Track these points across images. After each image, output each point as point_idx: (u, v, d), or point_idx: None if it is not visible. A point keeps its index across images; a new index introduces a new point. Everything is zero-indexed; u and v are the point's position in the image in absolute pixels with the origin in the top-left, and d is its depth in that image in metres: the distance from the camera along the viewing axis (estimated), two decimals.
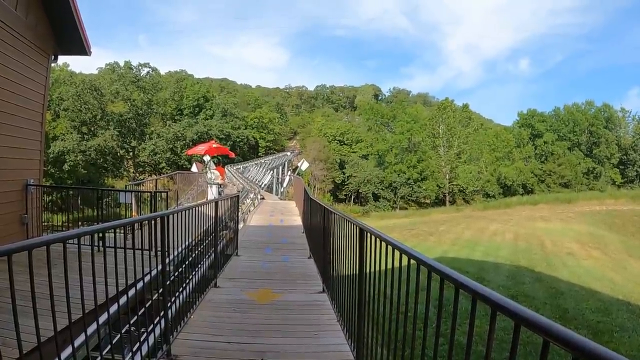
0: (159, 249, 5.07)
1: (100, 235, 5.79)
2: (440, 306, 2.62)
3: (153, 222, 5.51)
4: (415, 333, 3.13)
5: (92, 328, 3.70)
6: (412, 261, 3.09)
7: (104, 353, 3.88)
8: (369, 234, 4.39)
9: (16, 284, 2.44)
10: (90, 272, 3.33)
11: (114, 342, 4.61)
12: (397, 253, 3.45)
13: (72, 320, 3.09)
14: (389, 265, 3.61)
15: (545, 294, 15.65)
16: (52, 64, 11.89)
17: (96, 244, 5.39)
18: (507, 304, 1.87)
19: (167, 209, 10.76)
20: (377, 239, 4.04)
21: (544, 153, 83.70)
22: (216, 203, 8.65)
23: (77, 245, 3.24)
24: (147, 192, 12.17)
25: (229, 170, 40.45)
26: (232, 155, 27.82)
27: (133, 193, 11.83)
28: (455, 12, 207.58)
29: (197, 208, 7.06)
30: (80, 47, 11.99)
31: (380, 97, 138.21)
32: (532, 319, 1.70)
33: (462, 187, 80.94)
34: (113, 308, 4.88)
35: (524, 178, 79.18)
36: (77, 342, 3.39)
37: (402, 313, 3.34)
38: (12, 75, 9.77)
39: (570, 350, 1.49)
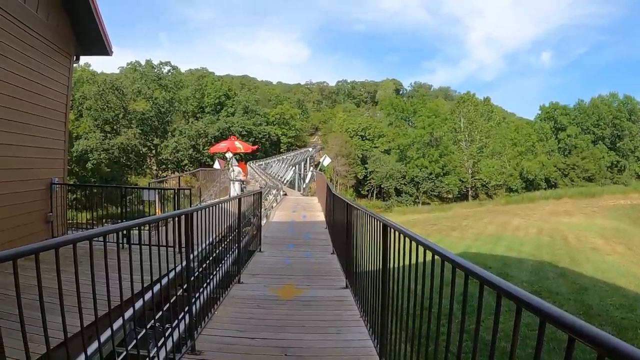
0: (183, 245, 5.10)
1: (125, 232, 5.85)
2: (465, 302, 2.59)
3: (177, 219, 5.54)
4: (439, 329, 3.11)
5: (117, 323, 3.74)
6: (436, 257, 3.08)
7: (129, 348, 3.91)
8: (392, 230, 4.37)
9: (43, 282, 2.48)
10: (116, 269, 3.37)
11: (139, 337, 4.66)
12: (420, 249, 3.43)
13: (99, 316, 3.13)
14: (413, 261, 3.59)
15: (569, 290, 15.46)
16: (74, 64, 12.00)
17: (121, 241, 5.45)
18: (532, 301, 1.86)
19: (190, 206, 10.83)
20: (401, 235, 4.02)
21: (567, 146, 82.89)
22: (239, 200, 8.69)
23: (102, 243, 3.28)
24: (171, 189, 12.25)
25: (251, 167, 40.67)
26: (255, 148, 27.86)
27: (156, 190, 11.93)
28: (476, 5, 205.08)
29: (220, 205, 7.09)
30: (101, 47, 12.09)
31: (401, 92, 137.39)
32: (557, 315, 1.68)
33: (485, 181, 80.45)
34: (138, 304, 4.93)
35: (547, 172, 78.48)
36: (103, 338, 3.43)
37: (426, 309, 3.32)
38: (35, 77, 9.90)
39: (595, 348, 1.48)
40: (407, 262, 3.78)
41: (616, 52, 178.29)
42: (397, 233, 4.17)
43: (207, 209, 6.05)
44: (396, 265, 4.20)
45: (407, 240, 3.80)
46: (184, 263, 5.04)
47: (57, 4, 10.68)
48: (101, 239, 3.27)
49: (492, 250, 23.00)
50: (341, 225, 9.20)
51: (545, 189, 70.94)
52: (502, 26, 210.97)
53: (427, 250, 3.28)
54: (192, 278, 5.27)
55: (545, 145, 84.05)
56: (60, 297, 2.64)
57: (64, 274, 2.66)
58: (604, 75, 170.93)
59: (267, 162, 62.45)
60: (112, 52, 12.39)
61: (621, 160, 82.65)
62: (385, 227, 4.68)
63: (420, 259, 3.35)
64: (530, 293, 1.93)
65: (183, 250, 5.07)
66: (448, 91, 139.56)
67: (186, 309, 5.13)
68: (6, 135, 8.99)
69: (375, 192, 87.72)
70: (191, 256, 5.06)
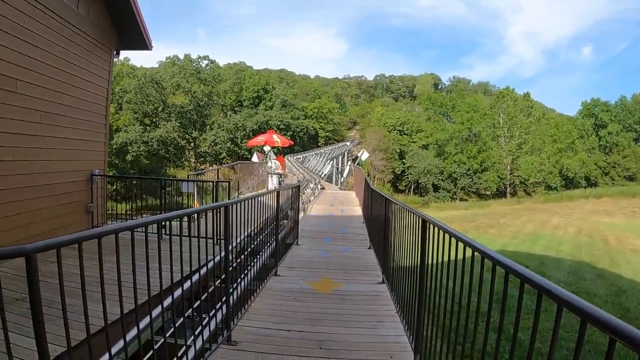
0: (221, 237, 5.13)
1: (165, 223, 5.92)
2: (505, 300, 2.55)
3: (216, 211, 5.58)
4: (476, 327, 3.07)
5: (156, 312, 3.78)
6: (475, 254, 3.03)
7: (167, 336, 3.96)
8: (431, 225, 4.31)
9: (85, 270, 2.54)
10: (156, 259, 3.40)
11: (176, 325, 4.72)
12: (460, 246, 3.38)
13: (138, 304, 3.17)
14: (452, 257, 3.54)
15: (607, 292, 15.12)
16: (114, 59, 12.20)
17: (161, 232, 5.51)
18: (573, 300, 1.82)
19: (228, 198, 10.90)
20: (440, 231, 3.97)
21: (608, 144, 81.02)
22: (277, 193, 8.73)
23: (144, 234, 3.33)
24: (209, 181, 12.35)
25: (289, 160, 40.74)
26: (291, 143, 27.93)
27: (195, 183, 12.06)
28: None
29: (258, 198, 7.13)
30: (141, 42, 12.24)
31: (439, 87, 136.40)
32: (599, 316, 1.64)
33: (524, 178, 79.14)
34: (177, 293, 4.99)
35: (587, 170, 76.89)
36: (141, 325, 3.47)
37: (464, 307, 3.28)
38: (77, 71, 10.12)
39: (637, 350, 1.45)
40: (445, 259, 3.74)
41: None
42: (436, 229, 4.11)
43: (245, 202, 6.08)
44: (434, 262, 4.16)
45: (447, 236, 3.75)
46: (222, 254, 5.07)
47: (98, 0, 10.86)
48: (142, 229, 3.32)
49: (530, 249, 22.64)
50: (379, 220, 9.17)
51: (585, 187, 69.35)
52: (541, 21, 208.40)
53: (466, 247, 3.23)
54: (230, 269, 5.31)
55: (585, 143, 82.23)
56: (101, 285, 2.69)
57: (105, 263, 2.70)
58: None
59: (305, 155, 62.49)
60: (151, 46, 12.54)
61: None
62: (424, 222, 4.62)
63: (460, 256, 3.31)
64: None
65: (221, 242, 5.11)
66: (487, 86, 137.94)
67: (223, 299, 5.18)
68: (50, 127, 9.23)
69: (412, 188, 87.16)
70: (229, 248, 5.09)
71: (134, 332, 3.43)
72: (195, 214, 5.38)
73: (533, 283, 2.16)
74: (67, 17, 9.52)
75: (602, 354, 8.83)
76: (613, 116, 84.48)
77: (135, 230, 3.15)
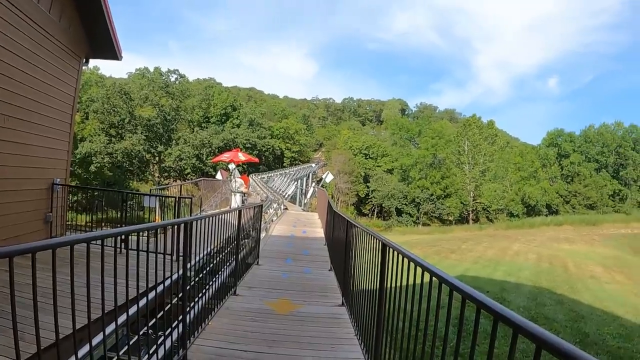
0: (180, 254, 5.09)
1: (124, 237, 5.84)
2: (461, 325, 2.57)
3: (177, 227, 5.53)
4: (433, 351, 3.08)
5: (110, 328, 3.71)
6: (433, 279, 3.06)
7: (120, 353, 3.89)
8: (391, 250, 4.35)
9: (38, 281, 2.47)
10: (111, 273, 3.35)
11: (131, 343, 4.64)
12: (419, 270, 3.41)
13: (91, 319, 3.11)
14: (410, 282, 3.57)
15: (566, 317, 15.39)
16: (83, 67, 12.06)
17: (119, 245, 5.42)
18: (528, 327, 1.83)
19: (190, 215, 10.81)
20: (400, 255, 4.01)
21: (570, 173, 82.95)
22: (239, 211, 8.68)
23: (100, 246, 3.27)
24: (172, 197, 12.26)
25: (253, 180, 40.65)
26: (257, 160, 27.89)
27: (157, 197, 11.93)
28: (486, 29, 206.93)
29: (220, 216, 7.09)
30: (111, 52, 12.15)
31: (406, 112, 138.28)
32: (554, 343, 1.66)
33: (486, 205, 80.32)
34: (132, 310, 4.90)
35: (548, 198, 78.50)
36: (94, 341, 3.41)
37: (421, 330, 3.30)
38: (43, 76, 9.93)
39: None
40: (404, 283, 3.77)
41: (623, 81, 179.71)
42: (395, 253, 4.16)
43: (207, 219, 6.05)
44: (393, 285, 4.19)
45: (406, 260, 3.78)
46: (181, 272, 5.02)
47: (71, 6, 10.74)
48: (99, 242, 3.25)
49: (491, 275, 22.92)
50: (340, 242, 9.19)
51: (546, 215, 70.79)
52: (510, 51, 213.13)
53: (425, 272, 3.26)
54: (188, 287, 5.25)
55: (548, 171, 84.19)
56: (54, 298, 2.63)
57: (59, 275, 2.64)
58: (611, 103, 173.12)
59: (269, 175, 62.43)
60: (121, 56, 12.46)
61: (623, 189, 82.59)
62: (384, 246, 4.66)
63: (418, 280, 3.34)
64: (526, 319, 1.92)
65: (180, 258, 5.06)
66: (453, 113, 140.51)
67: (180, 317, 5.11)
68: (11, 132, 8.99)
69: (376, 211, 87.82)
70: (188, 265, 5.05)
71: (86, 348, 3.37)
72: (156, 230, 5.33)
73: (489, 309, 2.17)
74: (38, 21, 9.38)
75: None
76: (576, 147, 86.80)
77: (92, 242, 3.09)
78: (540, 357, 1.77)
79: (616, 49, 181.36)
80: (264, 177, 55.51)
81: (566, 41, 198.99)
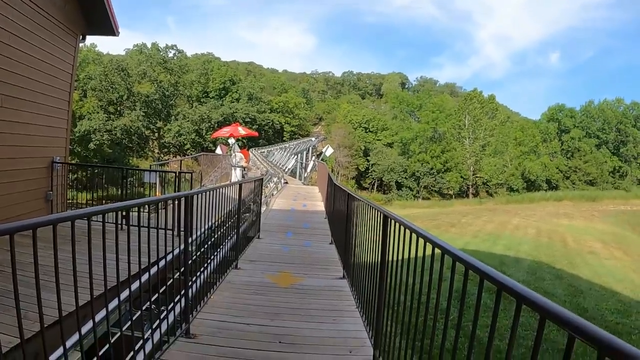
0: (181, 229, 5.08)
1: (124, 213, 5.83)
2: (464, 297, 2.56)
3: (177, 202, 5.52)
4: (435, 324, 3.08)
5: (113, 304, 3.71)
6: (435, 251, 3.04)
7: (124, 329, 3.90)
8: (392, 221, 4.32)
9: (40, 259, 2.45)
10: (113, 250, 3.34)
11: (134, 318, 4.65)
12: (420, 242, 3.38)
13: (94, 296, 3.11)
14: (412, 254, 3.55)
15: (565, 292, 15.43)
16: (80, 44, 11.95)
17: (120, 221, 5.41)
18: (532, 297, 1.83)
19: (190, 190, 10.82)
20: (401, 226, 3.97)
21: (570, 149, 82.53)
22: (240, 185, 8.67)
23: (101, 222, 3.25)
24: (172, 172, 12.23)
25: (253, 154, 40.57)
26: (256, 134, 27.80)
27: (157, 173, 11.91)
28: (487, 2, 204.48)
29: (221, 189, 7.08)
30: (108, 28, 12.00)
31: (407, 86, 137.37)
32: (559, 313, 1.65)
33: (486, 179, 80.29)
34: (135, 285, 4.91)
35: (548, 173, 78.21)
36: (97, 317, 3.41)
37: (423, 303, 3.29)
38: (41, 55, 9.83)
39: (596, 347, 1.45)
40: (406, 255, 3.75)
41: (624, 58, 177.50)
42: (397, 225, 4.12)
43: (207, 193, 6.04)
44: (395, 258, 4.17)
45: (408, 232, 3.75)
46: (182, 246, 5.02)
47: None
48: (100, 217, 3.23)
49: (490, 249, 22.98)
50: (341, 215, 9.20)
51: (546, 190, 70.72)
52: (512, 25, 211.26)
53: (427, 244, 3.24)
54: (190, 262, 5.26)
55: (548, 147, 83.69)
56: (56, 275, 2.62)
57: (60, 252, 2.63)
58: (612, 80, 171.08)
59: (269, 149, 62.18)
60: (118, 32, 12.32)
61: (623, 165, 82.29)
62: (386, 218, 4.63)
63: (420, 253, 3.32)
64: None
65: (182, 233, 5.05)
66: (454, 87, 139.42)
67: (182, 292, 5.12)
68: (10, 112, 8.93)
69: (376, 185, 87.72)
70: (189, 240, 5.04)
71: (89, 324, 3.36)
72: (156, 204, 5.31)
73: (492, 279, 2.16)
74: None
75: (559, 352, 9.02)
76: (577, 122, 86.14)
77: (93, 218, 3.07)
78: (544, 328, 1.77)
79: (618, 26, 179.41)
80: (263, 152, 55.34)
81: (567, 17, 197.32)
